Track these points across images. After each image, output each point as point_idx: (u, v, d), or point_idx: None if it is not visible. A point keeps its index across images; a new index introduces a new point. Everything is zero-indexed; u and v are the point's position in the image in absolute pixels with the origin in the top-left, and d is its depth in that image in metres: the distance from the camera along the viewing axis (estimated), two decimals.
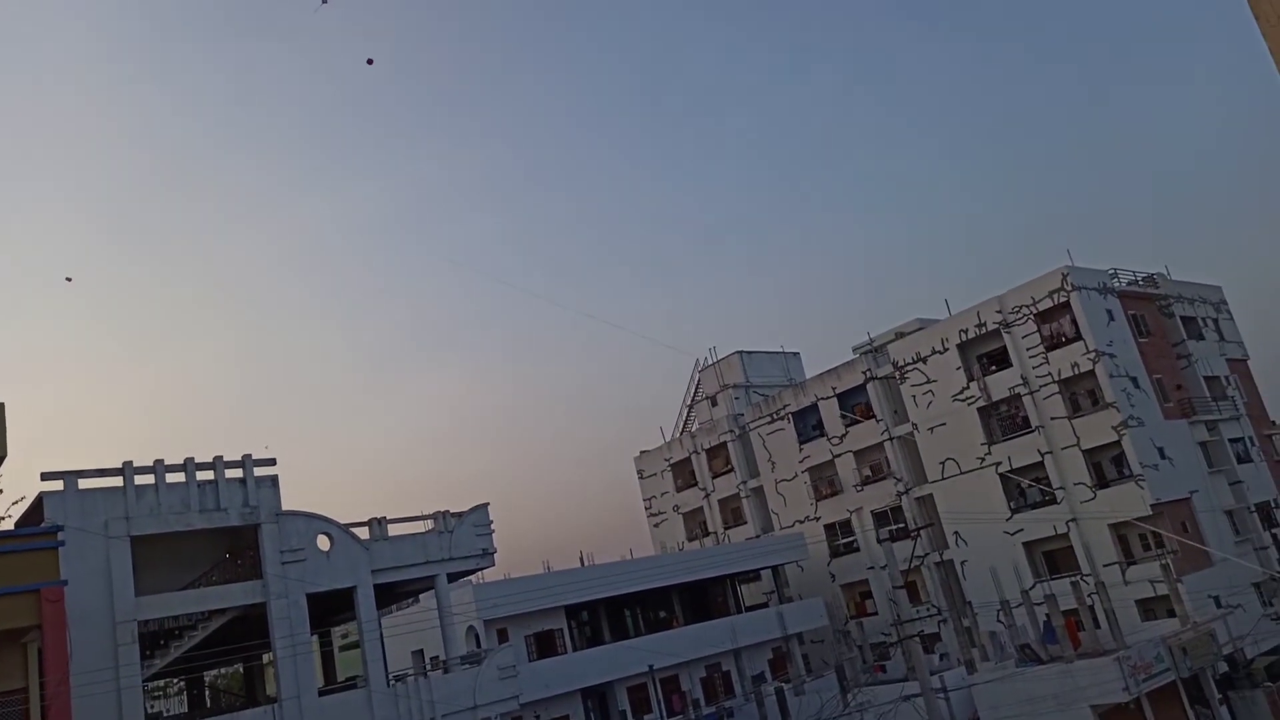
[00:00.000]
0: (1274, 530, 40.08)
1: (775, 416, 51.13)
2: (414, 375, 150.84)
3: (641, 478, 58.86)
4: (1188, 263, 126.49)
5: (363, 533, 25.34)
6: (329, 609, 27.84)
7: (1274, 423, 49.36)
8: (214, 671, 35.66)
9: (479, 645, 32.71)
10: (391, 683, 24.76)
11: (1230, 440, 42.52)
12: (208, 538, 23.97)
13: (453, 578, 28.61)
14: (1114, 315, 40.34)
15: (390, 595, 29.89)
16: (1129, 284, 42.79)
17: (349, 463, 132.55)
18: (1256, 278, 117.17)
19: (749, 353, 57.16)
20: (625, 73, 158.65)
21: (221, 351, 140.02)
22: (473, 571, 30.08)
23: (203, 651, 24.38)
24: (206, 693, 33.57)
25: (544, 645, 36.29)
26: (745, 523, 52.41)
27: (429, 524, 26.87)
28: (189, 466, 22.66)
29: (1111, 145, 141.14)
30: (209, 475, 22.91)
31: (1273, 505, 42.90)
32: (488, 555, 27.62)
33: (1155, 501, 37.07)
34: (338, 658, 34.17)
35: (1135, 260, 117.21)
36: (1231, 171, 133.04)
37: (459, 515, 27.15)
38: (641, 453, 59.27)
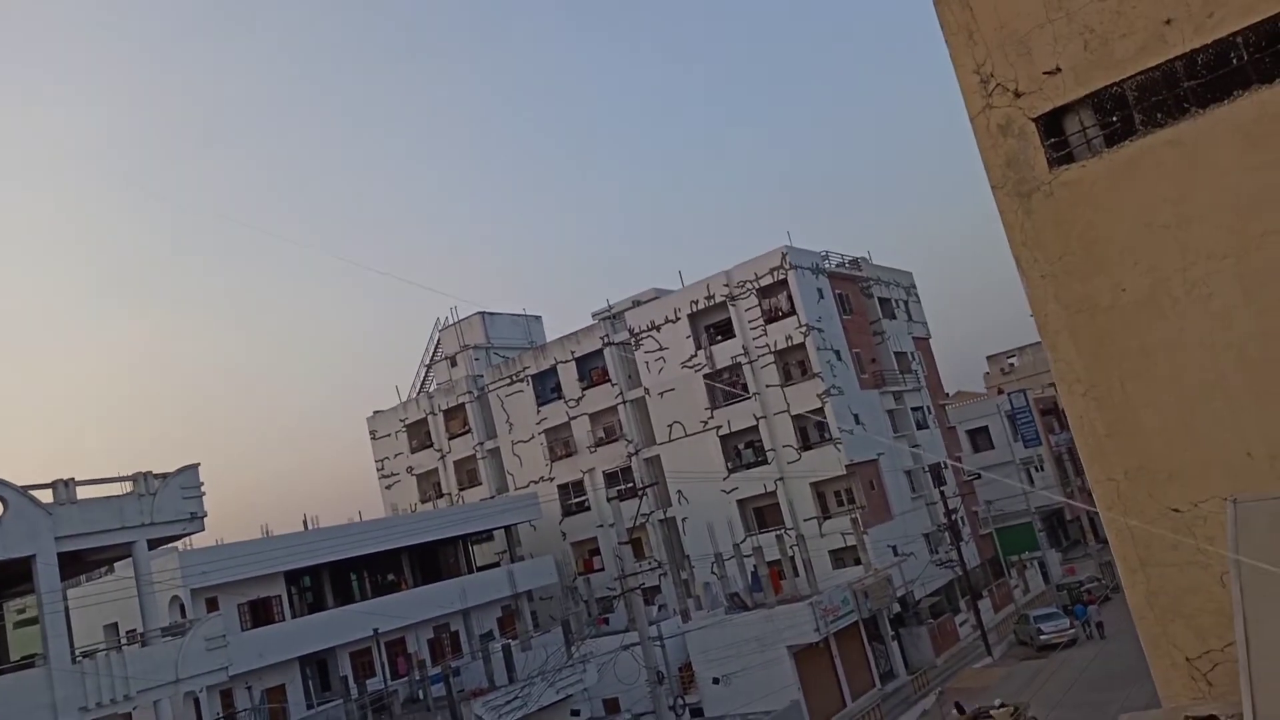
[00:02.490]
0: (942, 488, 46.13)
1: (515, 379, 51.41)
2: (122, 321, 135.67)
3: (374, 438, 57.13)
4: (884, 248, 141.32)
5: (46, 496, 22.65)
6: (2, 581, 24.71)
7: (947, 394, 56.69)
8: None
9: (184, 616, 30.42)
10: (78, 659, 22.47)
11: (912, 409, 48.32)
12: None
13: (156, 544, 26.33)
14: (824, 294, 44.30)
15: (80, 564, 26.98)
16: (837, 265, 47.10)
17: (35, 422, 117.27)
18: (939, 265, 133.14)
19: (491, 314, 56.89)
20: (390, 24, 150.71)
21: None
22: (179, 537, 27.84)
23: None
24: None
25: (260, 613, 34.43)
26: (481, 484, 52.46)
27: (128, 486, 24.50)
28: None
29: (831, 136, 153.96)
30: None
31: (943, 466, 49.34)
32: (196, 519, 25.65)
33: (849, 462, 41.40)
34: (11, 635, 30.43)
35: (842, 243, 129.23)
36: (923, 167, 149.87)
37: (163, 477, 24.97)
38: (375, 413, 57.45)
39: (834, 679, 34.67)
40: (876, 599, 36.87)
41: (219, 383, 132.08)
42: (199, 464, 25.91)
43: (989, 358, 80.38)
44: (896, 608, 39.60)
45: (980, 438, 59.48)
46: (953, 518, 43.18)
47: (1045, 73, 5.54)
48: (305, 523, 39.65)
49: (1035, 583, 50.41)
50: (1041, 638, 37.17)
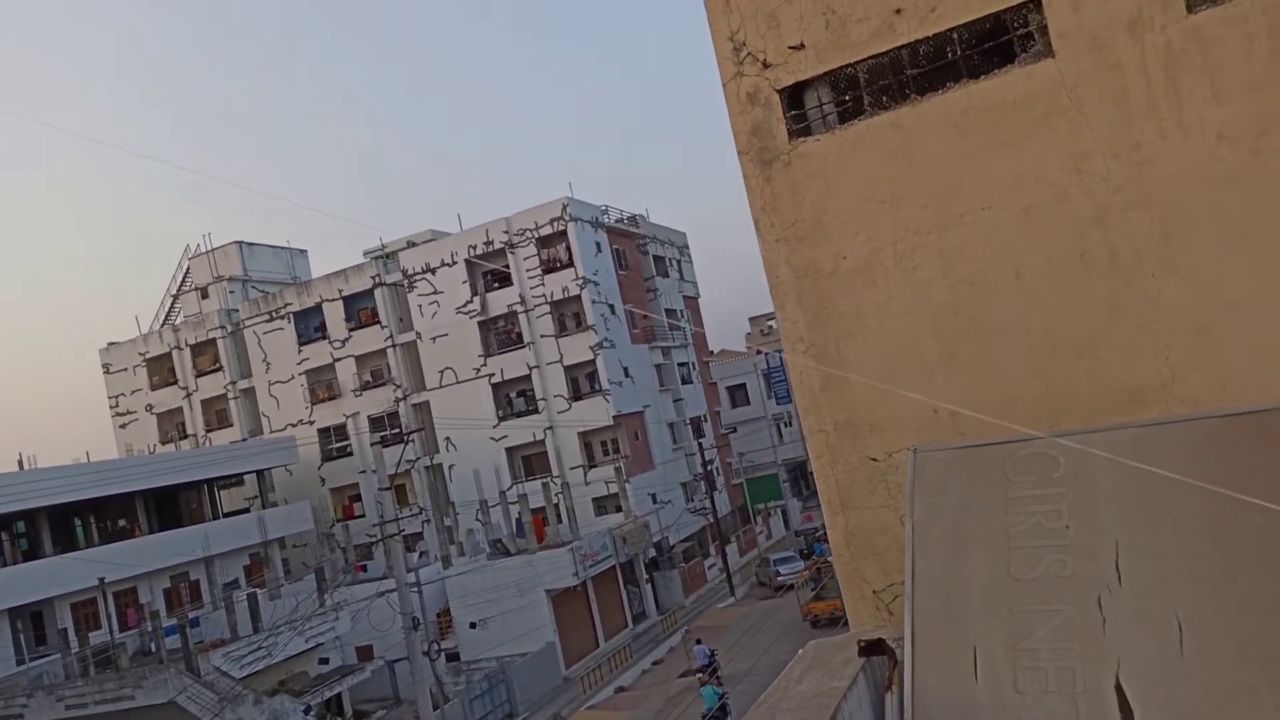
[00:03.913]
0: (700, 440, 48.56)
1: (275, 315, 48.43)
2: None
3: (108, 373, 52.08)
4: (660, 208, 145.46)
5: None
6: None
7: (712, 352, 59.48)
8: None
9: None
10: None
11: (679, 364, 50.35)
12: None
13: None
14: (601, 248, 44.95)
15: None
16: (616, 221, 47.90)
17: None
18: (710, 227, 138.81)
19: (250, 244, 53.02)
20: None
21: None
22: None
23: None
24: None
25: None
26: (232, 425, 49.28)
27: None
28: None
29: (616, 96, 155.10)
30: None
31: (702, 419, 51.89)
32: None
33: (617, 413, 42.62)
34: None
35: (621, 200, 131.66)
36: (699, 132, 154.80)
37: None
38: (110, 345, 52.29)
39: (589, 620, 35.94)
40: (634, 544, 38.43)
41: None
42: None
43: (751, 319, 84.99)
44: (652, 552, 41.49)
45: (739, 394, 63.01)
46: (709, 468, 45.62)
47: (791, 47, 5.83)
48: (21, 462, 35.71)
49: (778, 529, 54.49)
50: (779, 579, 40.25)
